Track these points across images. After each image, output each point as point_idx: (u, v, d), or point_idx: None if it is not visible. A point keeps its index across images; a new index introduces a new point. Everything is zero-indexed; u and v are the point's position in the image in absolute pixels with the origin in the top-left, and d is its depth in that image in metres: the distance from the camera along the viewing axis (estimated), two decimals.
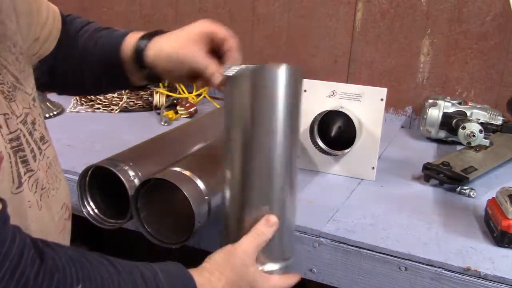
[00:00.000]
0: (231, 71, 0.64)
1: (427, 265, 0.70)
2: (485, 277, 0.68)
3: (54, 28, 0.77)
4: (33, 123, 0.63)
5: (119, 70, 0.76)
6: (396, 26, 1.34)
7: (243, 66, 0.65)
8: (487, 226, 0.79)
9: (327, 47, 1.43)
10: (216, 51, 0.71)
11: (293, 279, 0.69)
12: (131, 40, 0.74)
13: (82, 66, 0.78)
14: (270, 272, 0.67)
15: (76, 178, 0.81)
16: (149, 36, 0.73)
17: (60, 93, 0.88)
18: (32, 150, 0.61)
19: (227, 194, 0.68)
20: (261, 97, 0.63)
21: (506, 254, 0.73)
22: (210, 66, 0.68)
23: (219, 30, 0.70)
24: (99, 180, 0.81)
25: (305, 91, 0.99)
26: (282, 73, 0.63)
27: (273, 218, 0.65)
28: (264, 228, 0.65)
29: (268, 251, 0.66)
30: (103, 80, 0.79)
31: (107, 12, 1.68)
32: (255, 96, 0.63)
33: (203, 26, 0.70)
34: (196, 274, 0.60)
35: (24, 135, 0.60)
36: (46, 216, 0.62)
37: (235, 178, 0.66)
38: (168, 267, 0.59)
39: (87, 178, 0.80)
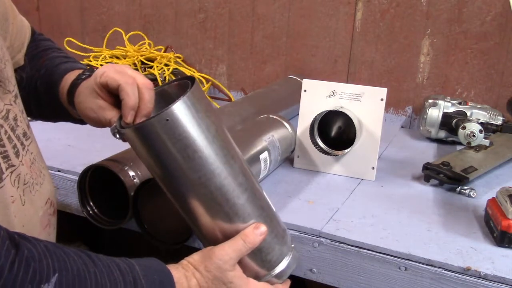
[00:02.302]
0: (115, 133, 0.62)
1: (427, 265, 0.70)
2: (485, 277, 0.68)
3: (26, 40, 0.78)
4: (15, 119, 0.63)
5: (60, 103, 0.76)
6: (396, 26, 1.34)
7: (126, 125, 0.62)
8: (487, 226, 0.79)
9: (327, 47, 1.43)
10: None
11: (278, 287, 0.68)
12: (69, 79, 0.74)
13: (31, 90, 0.78)
14: (258, 279, 0.66)
15: (76, 178, 0.81)
16: (83, 78, 0.72)
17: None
18: (14, 146, 0.61)
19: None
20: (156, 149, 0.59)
21: (506, 254, 0.72)
22: (112, 119, 0.66)
23: (110, 79, 0.64)
24: (99, 180, 0.81)
25: (305, 91, 0.99)
26: (156, 126, 0.57)
27: (263, 227, 0.63)
28: (251, 236, 0.63)
29: (255, 259, 0.65)
30: (46, 108, 0.79)
31: (107, 12, 1.68)
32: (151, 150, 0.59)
33: (97, 77, 0.66)
34: (173, 268, 0.61)
35: (6, 131, 0.60)
36: (30, 211, 0.63)
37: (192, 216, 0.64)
38: (146, 261, 0.60)
39: (87, 178, 0.80)
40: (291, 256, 0.69)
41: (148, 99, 0.63)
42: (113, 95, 0.66)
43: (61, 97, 0.75)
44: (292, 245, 0.71)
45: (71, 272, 0.50)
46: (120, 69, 0.65)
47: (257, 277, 0.66)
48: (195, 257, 0.63)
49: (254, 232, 0.63)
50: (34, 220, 0.64)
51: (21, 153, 0.62)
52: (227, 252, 0.62)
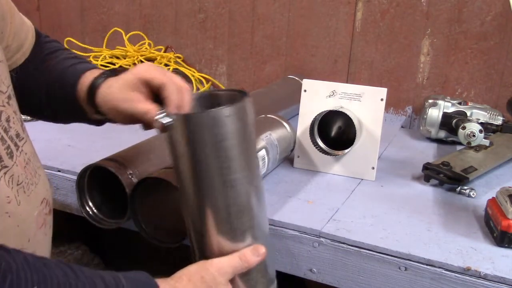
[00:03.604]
0: (164, 118, 0.64)
1: (427, 265, 0.70)
2: (485, 277, 0.68)
3: (26, 41, 0.78)
4: (8, 120, 0.63)
5: (76, 103, 0.76)
6: (396, 26, 1.34)
7: (176, 113, 0.64)
8: (487, 226, 0.79)
9: (327, 47, 1.43)
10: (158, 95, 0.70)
11: None
12: (88, 77, 0.74)
13: (41, 92, 0.78)
14: None
15: (76, 178, 0.81)
16: (105, 76, 0.73)
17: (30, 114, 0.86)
18: (8, 147, 0.62)
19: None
20: (202, 143, 0.61)
21: (506, 254, 0.72)
22: (149, 111, 0.67)
23: (155, 77, 0.67)
24: (99, 180, 0.81)
25: (305, 91, 0.99)
26: (214, 118, 0.60)
27: (262, 249, 0.65)
28: (249, 256, 0.64)
29: (249, 280, 0.66)
30: (60, 109, 0.79)
31: (107, 12, 1.68)
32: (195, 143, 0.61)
33: (140, 73, 0.68)
34: (162, 282, 0.60)
35: None
36: (25, 211, 0.63)
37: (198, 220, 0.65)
38: (133, 274, 0.59)
39: (86, 178, 0.80)
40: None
41: (188, 100, 0.66)
42: (151, 92, 0.68)
43: (79, 97, 0.74)
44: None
45: (50, 284, 0.49)
46: (162, 69, 0.68)
47: None
48: (191, 269, 0.63)
49: (253, 252, 0.64)
50: (29, 220, 0.64)
51: (15, 154, 0.63)
52: (223, 266, 0.63)
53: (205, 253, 0.65)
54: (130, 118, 0.69)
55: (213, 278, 0.62)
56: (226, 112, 0.60)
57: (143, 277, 0.59)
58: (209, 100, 0.70)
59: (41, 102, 0.78)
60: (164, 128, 0.63)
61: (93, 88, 0.72)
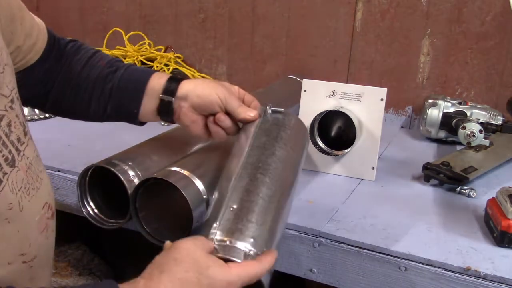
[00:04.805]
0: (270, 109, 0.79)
1: (427, 265, 0.70)
2: (485, 277, 0.68)
3: (39, 40, 0.78)
4: (9, 125, 0.63)
5: (135, 103, 0.80)
6: (396, 26, 1.34)
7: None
8: (487, 226, 0.79)
9: (327, 47, 1.43)
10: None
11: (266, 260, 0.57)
12: (160, 78, 0.80)
13: (83, 93, 0.80)
14: None
15: (76, 178, 0.81)
16: (178, 80, 0.79)
17: (45, 110, 0.88)
18: (10, 152, 0.61)
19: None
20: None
21: (506, 254, 0.72)
22: (241, 105, 0.78)
23: (245, 95, 0.81)
24: (99, 180, 0.81)
25: (305, 91, 0.99)
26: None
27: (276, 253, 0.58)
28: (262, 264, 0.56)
29: None
30: (108, 109, 0.81)
31: (107, 12, 1.68)
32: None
33: (231, 88, 0.80)
34: (128, 284, 0.53)
35: (0, 137, 0.60)
36: (26, 216, 0.63)
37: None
38: (98, 285, 0.57)
39: (87, 178, 0.80)
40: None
41: (250, 98, 0.81)
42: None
43: (146, 107, 0.80)
44: None
45: None
46: (214, 85, 0.78)
47: None
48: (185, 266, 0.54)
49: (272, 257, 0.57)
50: (30, 224, 0.64)
51: (16, 159, 0.62)
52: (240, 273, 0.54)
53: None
54: (209, 113, 0.78)
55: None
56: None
57: (107, 285, 0.53)
58: None
59: (89, 103, 0.80)
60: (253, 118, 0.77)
61: (171, 86, 0.78)
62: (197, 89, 0.77)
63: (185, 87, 0.78)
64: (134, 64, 0.82)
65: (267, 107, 0.79)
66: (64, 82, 0.81)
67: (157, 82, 0.79)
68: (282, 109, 0.80)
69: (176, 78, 0.79)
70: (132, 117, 0.80)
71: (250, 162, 0.68)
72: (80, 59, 0.82)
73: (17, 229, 0.61)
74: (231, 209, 0.60)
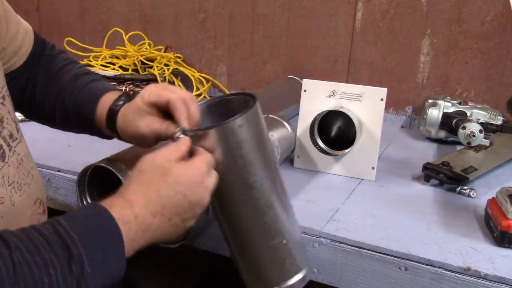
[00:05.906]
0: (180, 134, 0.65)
1: (427, 265, 0.70)
2: (485, 277, 0.68)
3: (24, 43, 0.78)
4: (1, 121, 0.64)
5: (93, 123, 0.77)
6: (396, 26, 1.34)
7: (191, 129, 0.65)
8: (487, 226, 0.79)
9: (327, 47, 1.43)
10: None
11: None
12: (105, 103, 0.75)
13: (57, 104, 0.79)
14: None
15: (76, 178, 0.81)
16: (121, 103, 0.74)
17: (27, 116, 0.87)
18: (0, 147, 0.63)
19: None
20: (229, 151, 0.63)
21: (506, 254, 0.72)
22: (168, 128, 0.69)
23: (159, 97, 0.68)
24: (99, 180, 0.81)
25: (305, 91, 0.99)
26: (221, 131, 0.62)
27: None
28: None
29: (281, 267, 0.66)
30: (74, 123, 0.80)
31: (107, 12, 1.68)
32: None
33: (145, 97, 0.69)
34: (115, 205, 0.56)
35: None
36: (18, 211, 0.63)
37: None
38: (78, 211, 0.57)
39: (86, 178, 0.80)
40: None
41: (194, 109, 0.67)
42: (161, 111, 0.69)
43: (97, 121, 0.76)
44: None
45: None
46: (163, 86, 0.70)
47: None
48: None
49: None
50: (22, 220, 0.64)
51: (7, 154, 0.63)
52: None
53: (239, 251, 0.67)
54: (154, 139, 0.70)
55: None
56: (238, 122, 0.61)
57: (90, 208, 0.56)
58: (220, 106, 0.70)
59: (54, 112, 0.79)
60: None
61: (111, 117, 0.73)
62: (127, 129, 0.72)
63: (119, 127, 0.74)
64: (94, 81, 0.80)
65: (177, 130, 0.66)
66: (39, 88, 0.80)
67: (101, 116, 0.76)
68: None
69: (113, 114, 0.74)
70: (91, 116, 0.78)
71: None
72: (53, 66, 0.81)
73: (10, 224, 0.61)
74: None
